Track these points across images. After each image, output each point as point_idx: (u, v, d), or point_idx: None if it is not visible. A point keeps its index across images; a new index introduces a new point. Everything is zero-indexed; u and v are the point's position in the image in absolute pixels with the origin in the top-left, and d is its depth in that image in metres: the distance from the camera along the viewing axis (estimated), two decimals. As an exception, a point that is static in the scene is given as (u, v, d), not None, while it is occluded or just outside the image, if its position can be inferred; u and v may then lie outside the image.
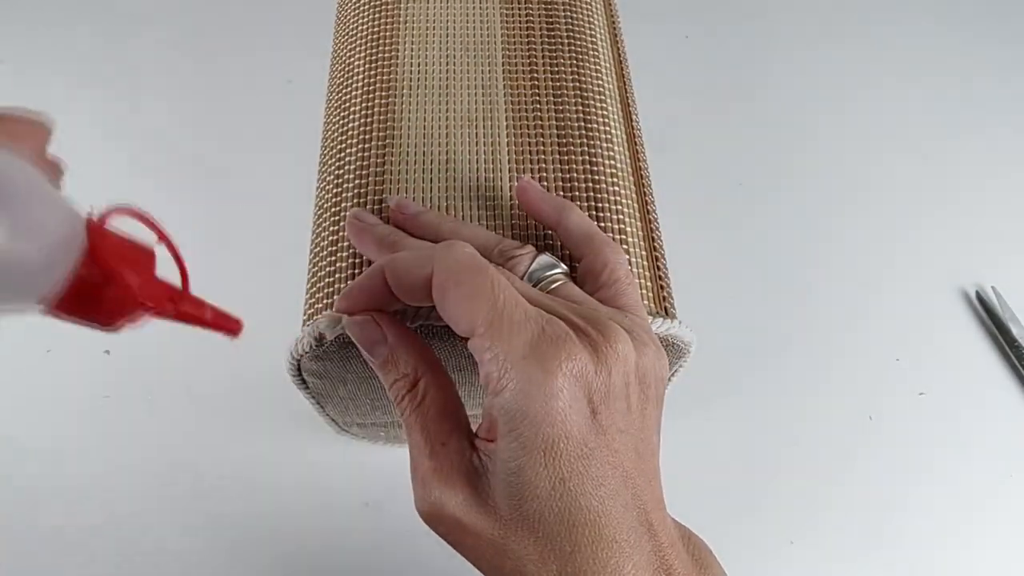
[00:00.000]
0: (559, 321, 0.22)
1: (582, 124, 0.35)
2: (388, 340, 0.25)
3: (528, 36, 0.37)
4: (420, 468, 0.24)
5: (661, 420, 0.26)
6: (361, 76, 0.36)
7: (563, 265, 0.27)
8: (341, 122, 0.35)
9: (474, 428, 0.25)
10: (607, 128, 0.35)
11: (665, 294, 0.32)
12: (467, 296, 0.22)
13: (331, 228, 0.32)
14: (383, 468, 0.46)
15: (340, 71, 0.38)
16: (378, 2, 0.38)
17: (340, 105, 0.36)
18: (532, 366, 0.21)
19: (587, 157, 0.34)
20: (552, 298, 0.25)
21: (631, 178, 0.34)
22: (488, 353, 0.22)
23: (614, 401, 0.22)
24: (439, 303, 0.23)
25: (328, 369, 0.31)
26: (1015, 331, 0.55)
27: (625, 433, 0.23)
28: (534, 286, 0.26)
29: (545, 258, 0.27)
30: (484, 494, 0.22)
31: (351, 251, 0.31)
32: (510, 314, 0.22)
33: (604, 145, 0.34)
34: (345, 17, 0.40)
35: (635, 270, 0.31)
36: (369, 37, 0.37)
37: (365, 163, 0.33)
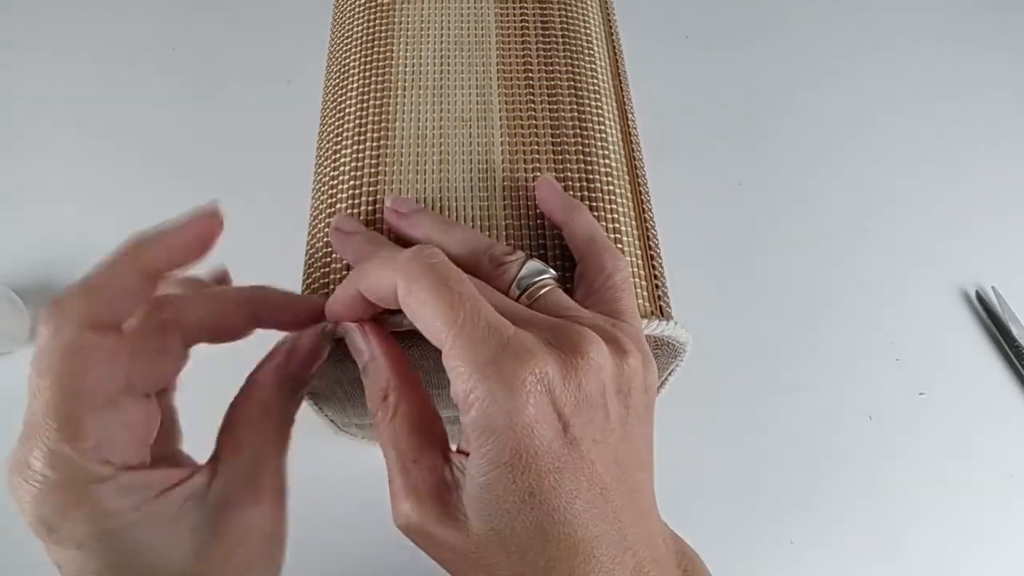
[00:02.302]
0: (525, 334, 0.22)
1: (577, 123, 0.35)
2: (370, 349, 0.25)
3: (523, 35, 0.37)
4: (393, 484, 0.24)
5: (652, 429, 0.25)
6: (356, 77, 0.36)
7: (552, 271, 0.27)
8: (336, 123, 0.35)
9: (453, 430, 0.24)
10: (602, 127, 0.35)
11: (660, 294, 0.32)
12: (431, 311, 0.22)
13: (326, 229, 0.32)
14: (383, 468, 0.46)
15: (335, 72, 0.38)
16: (373, 3, 0.38)
17: (335, 106, 0.36)
18: (494, 382, 0.21)
19: (582, 157, 0.34)
20: (528, 310, 0.25)
21: (626, 177, 0.34)
22: (454, 371, 0.21)
23: (587, 411, 0.22)
24: (409, 313, 0.23)
25: (324, 370, 0.31)
26: (1015, 331, 0.55)
27: (602, 444, 0.22)
28: (522, 292, 0.26)
29: (534, 264, 0.27)
30: (456, 509, 0.22)
31: (342, 259, 0.31)
32: (472, 329, 0.21)
33: (599, 144, 0.34)
34: (341, 18, 0.40)
35: (630, 270, 0.31)
36: (364, 38, 0.37)
37: (359, 164, 0.33)
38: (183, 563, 0.22)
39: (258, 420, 0.26)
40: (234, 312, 0.26)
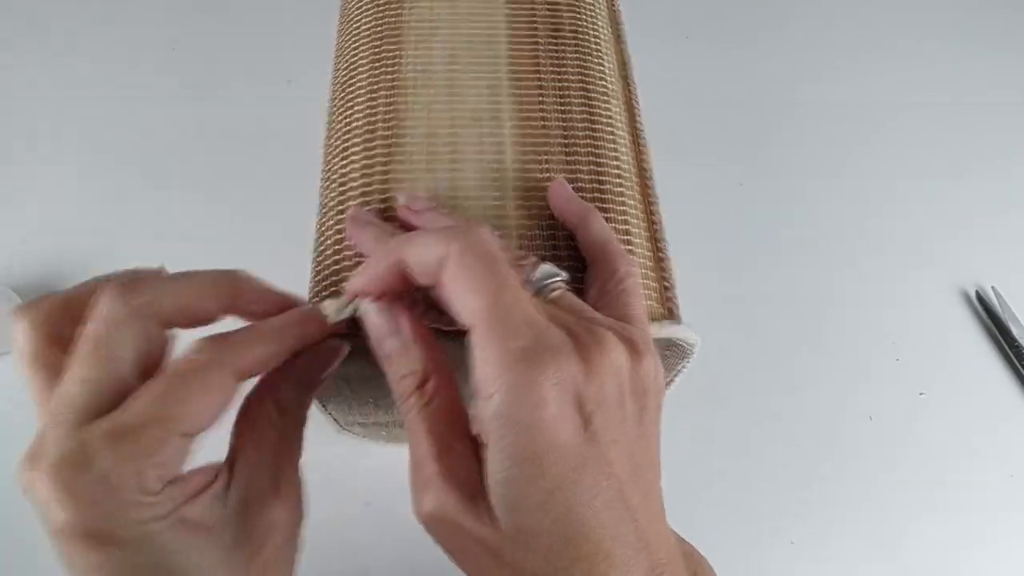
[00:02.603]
0: (556, 329, 0.22)
1: (587, 124, 0.35)
2: (402, 333, 0.25)
3: (533, 36, 0.37)
4: (424, 470, 0.23)
5: (660, 432, 0.25)
6: (365, 74, 0.36)
7: (563, 274, 0.27)
8: (345, 121, 0.35)
9: None
10: (612, 128, 0.35)
11: (670, 295, 0.32)
12: (475, 288, 0.22)
13: (335, 227, 0.32)
14: (383, 468, 0.46)
15: (344, 70, 0.38)
16: (382, 1, 0.38)
17: (344, 104, 0.36)
18: (521, 373, 0.21)
19: (592, 158, 0.34)
20: (547, 309, 0.24)
21: (635, 179, 0.34)
22: (483, 353, 0.21)
23: (607, 411, 0.22)
24: (449, 286, 0.22)
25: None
26: (1015, 331, 0.55)
27: (619, 443, 0.22)
28: (535, 295, 0.26)
29: (547, 267, 0.27)
30: (485, 502, 0.22)
31: (355, 250, 0.31)
32: (512, 316, 0.21)
33: (609, 146, 0.34)
34: (348, 15, 0.40)
35: (639, 271, 0.31)
36: (373, 36, 0.37)
37: (370, 162, 0.33)
38: (212, 563, 0.23)
39: (275, 419, 0.26)
40: (212, 294, 0.25)
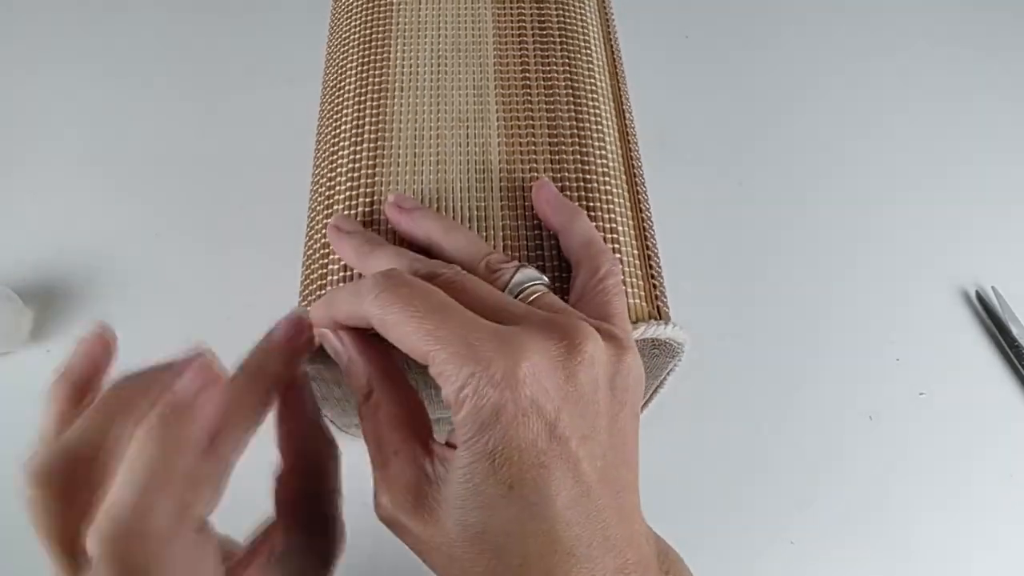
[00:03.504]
0: (512, 329, 0.22)
1: (574, 123, 0.35)
2: (346, 350, 0.25)
3: (520, 35, 0.37)
4: (374, 475, 0.24)
5: (638, 429, 0.25)
6: (353, 78, 0.36)
7: (544, 278, 0.27)
8: (333, 124, 0.35)
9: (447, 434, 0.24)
10: (599, 127, 0.35)
11: (657, 293, 0.32)
12: (411, 337, 0.22)
13: (323, 231, 0.32)
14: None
15: (333, 73, 0.38)
16: (371, 4, 0.39)
17: (332, 107, 0.36)
18: (481, 379, 0.21)
19: (579, 156, 0.34)
20: (524, 305, 0.24)
21: (623, 177, 0.34)
22: (441, 377, 0.21)
23: (577, 405, 0.22)
24: (387, 336, 0.23)
25: (322, 372, 0.31)
26: (1015, 331, 0.55)
27: (590, 440, 0.22)
28: (515, 297, 0.26)
29: (527, 271, 0.27)
30: (432, 503, 0.22)
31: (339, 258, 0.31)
32: (454, 339, 0.21)
33: (596, 144, 0.34)
34: (338, 19, 0.40)
35: (627, 269, 0.31)
36: (361, 39, 0.37)
37: (356, 164, 0.33)
38: None
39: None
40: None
